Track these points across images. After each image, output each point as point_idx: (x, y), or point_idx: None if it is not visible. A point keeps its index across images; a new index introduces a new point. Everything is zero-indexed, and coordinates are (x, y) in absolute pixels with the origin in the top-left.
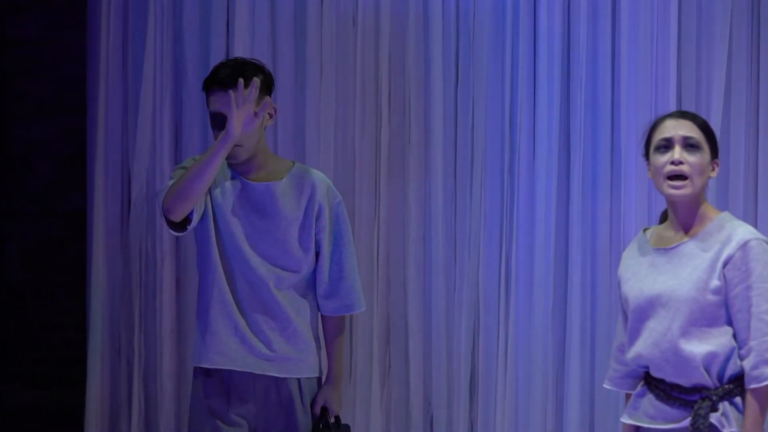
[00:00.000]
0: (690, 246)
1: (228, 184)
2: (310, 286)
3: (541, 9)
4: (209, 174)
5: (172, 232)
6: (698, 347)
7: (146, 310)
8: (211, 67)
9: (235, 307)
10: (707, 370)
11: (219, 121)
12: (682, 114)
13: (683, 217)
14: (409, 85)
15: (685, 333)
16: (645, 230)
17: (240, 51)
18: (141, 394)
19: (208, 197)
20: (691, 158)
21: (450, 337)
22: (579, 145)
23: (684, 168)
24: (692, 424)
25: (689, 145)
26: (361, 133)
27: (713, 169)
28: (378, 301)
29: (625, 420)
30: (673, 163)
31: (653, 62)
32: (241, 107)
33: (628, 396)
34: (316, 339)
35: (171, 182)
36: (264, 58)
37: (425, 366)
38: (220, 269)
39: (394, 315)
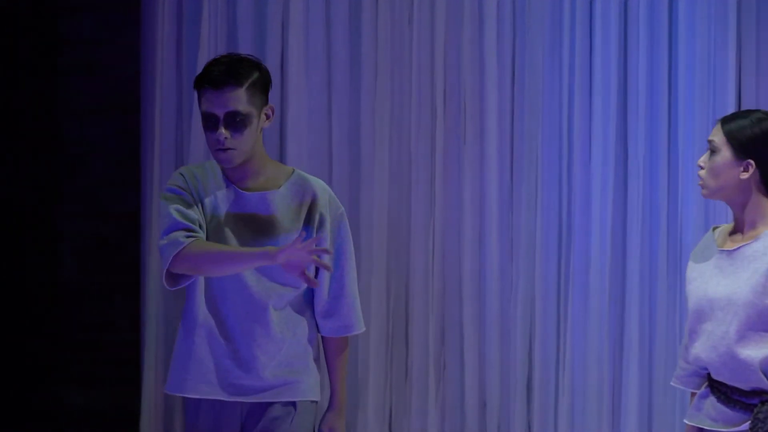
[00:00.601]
0: (752, 248)
1: (220, 193)
2: (308, 303)
3: (596, 7)
4: (229, 271)
5: (165, 284)
6: (755, 352)
7: None
8: (267, 65)
9: (225, 330)
10: (765, 374)
11: (211, 122)
12: (720, 119)
13: (744, 218)
14: (464, 86)
15: (743, 337)
16: (714, 229)
17: (294, 51)
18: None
19: (199, 209)
20: (707, 162)
21: (505, 339)
22: (635, 148)
23: (700, 172)
24: (751, 428)
25: (709, 149)
26: (417, 134)
27: (745, 170)
28: (433, 302)
29: (688, 421)
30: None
31: (711, 67)
32: (304, 251)
33: (693, 395)
34: (314, 360)
35: (173, 234)
36: (319, 59)
37: (480, 367)
38: (211, 288)
39: (449, 316)
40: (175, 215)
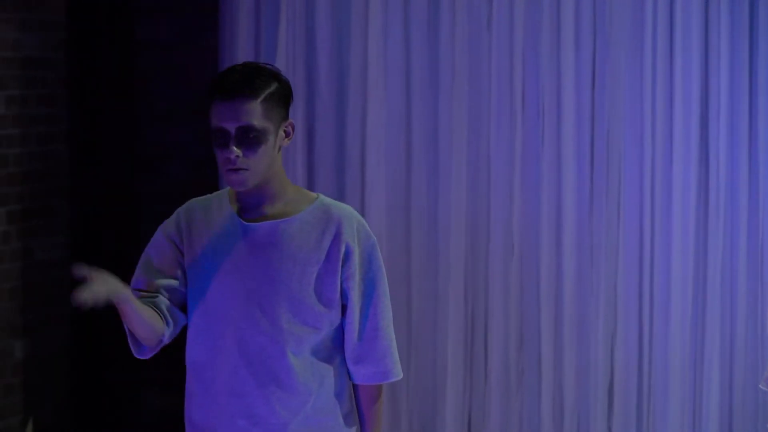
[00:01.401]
0: None
1: (225, 227)
2: (336, 348)
3: (677, 8)
4: (140, 327)
5: (136, 355)
6: None
7: None
8: (345, 70)
9: (236, 384)
10: None
11: (221, 138)
12: None
13: None
14: (543, 89)
15: None
16: None
17: (373, 55)
18: None
19: (198, 249)
20: None
21: (584, 343)
22: (717, 150)
23: None
24: None
25: None
26: (495, 137)
27: None
28: (512, 306)
29: None
30: None
31: None
32: (95, 286)
33: None
34: (346, 416)
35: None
36: (397, 63)
37: (558, 372)
38: (213, 332)
39: (527, 320)
40: (138, 274)
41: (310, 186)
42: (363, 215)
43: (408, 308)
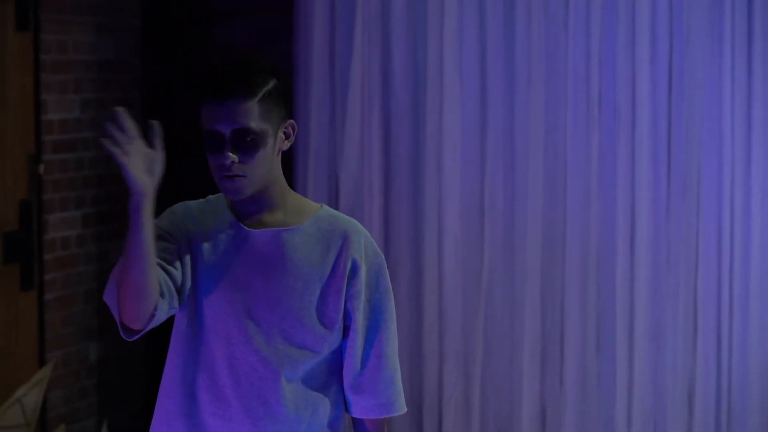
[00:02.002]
0: None
1: (223, 233)
2: (333, 374)
3: (755, 7)
4: (140, 256)
5: (123, 335)
6: None
7: None
8: (420, 73)
9: (222, 408)
10: None
11: (215, 143)
12: None
13: None
14: (619, 92)
15: None
16: None
17: (449, 56)
18: None
19: (182, 258)
20: None
21: (661, 349)
22: None
23: None
24: None
25: None
26: (573, 137)
27: None
28: (589, 311)
29: None
30: None
31: None
32: (133, 150)
33: None
34: None
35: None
36: (472, 64)
37: (632, 377)
38: (203, 350)
39: (603, 325)
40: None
41: (387, 190)
42: (440, 219)
43: (483, 313)
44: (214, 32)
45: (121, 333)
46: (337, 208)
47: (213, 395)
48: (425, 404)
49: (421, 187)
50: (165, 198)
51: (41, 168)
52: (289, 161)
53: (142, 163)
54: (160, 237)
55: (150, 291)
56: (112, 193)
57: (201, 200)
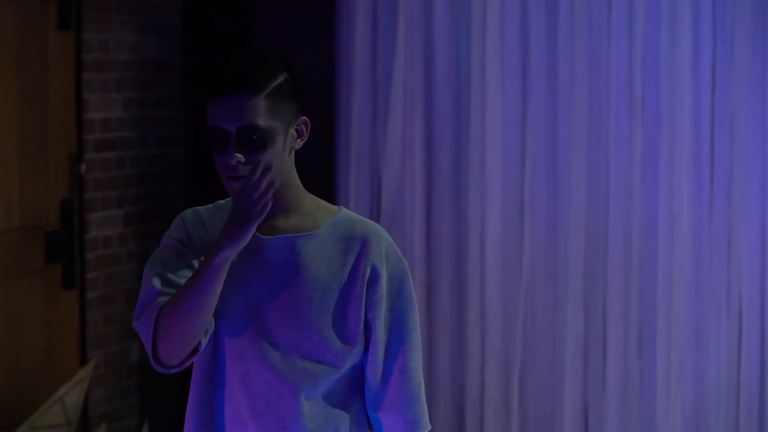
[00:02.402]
0: None
1: None
2: (354, 391)
3: None
4: (207, 306)
5: (160, 369)
6: None
7: None
8: (463, 73)
9: (240, 427)
10: None
11: (220, 141)
12: None
13: None
14: (662, 92)
15: None
16: None
17: (491, 56)
18: None
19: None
20: None
21: (704, 349)
22: None
23: None
24: None
25: None
26: (615, 138)
27: None
28: (631, 310)
29: None
30: None
31: None
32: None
33: None
34: None
35: (150, 306)
36: (515, 65)
37: (675, 377)
38: (218, 370)
39: (645, 324)
40: (156, 283)
41: (429, 189)
42: (482, 218)
43: (525, 312)
44: (256, 31)
45: (155, 366)
46: (379, 208)
47: (229, 416)
48: (467, 404)
49: (463, 186)
50: (210, 199)
51: (83, 167)
52: (330, 161)
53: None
54: (182, 254)
55: (201, 333)
56: (153, 192)
57: (210, 206)
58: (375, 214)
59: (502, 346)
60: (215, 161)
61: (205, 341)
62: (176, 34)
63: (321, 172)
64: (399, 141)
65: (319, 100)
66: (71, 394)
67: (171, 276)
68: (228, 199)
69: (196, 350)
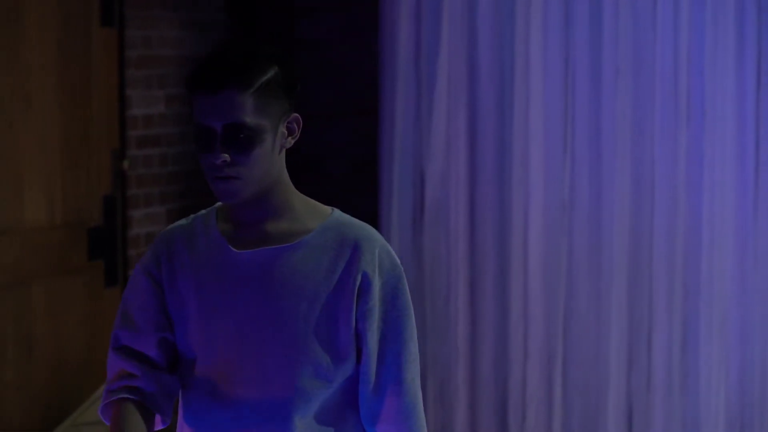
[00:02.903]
0: None
1: (213, 259)
2: (349, 405)
3: None
4: None
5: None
6: None
7: (437, 316)
8: (507, 69)
9: None
10: None
11: (205, 139)
12: None
13: None
14: (707, 87)
15: None
16: None
17: (535, 51)
18: (435, 401)
19: (181, 294)
20: None
21: (748, 347)
22: None
23: None
24: None
25: None
26: (660, 135)
27: None
28: (675, 308)
29: None
30: None
31: None
32: None
33: None
34: None
35: (111, 379)
36: (558, 63)
37: (720, 376)
38: (204, 403)
39: (690, 322)
40: (118, 322)
41: (473, 185)
42: (525, 215)
43: (567, 309)
44: (299, 27)
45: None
46: (422, 205)
47: None
48: (510, 402)
49: (506, 183)
50: None
51: (126, 164)
52: (373, 158)
53: None
54: (144, 290)
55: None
56: (195, 189)
57: (191, 216)
58: (418, 212)
59: (544, 344)
60: (200, 161)
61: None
62: (219, 29)
63: (364, 169)
64: (443, 138)
65: (361, 97)
66: None
67: (132, 313)
68: (208, 209)
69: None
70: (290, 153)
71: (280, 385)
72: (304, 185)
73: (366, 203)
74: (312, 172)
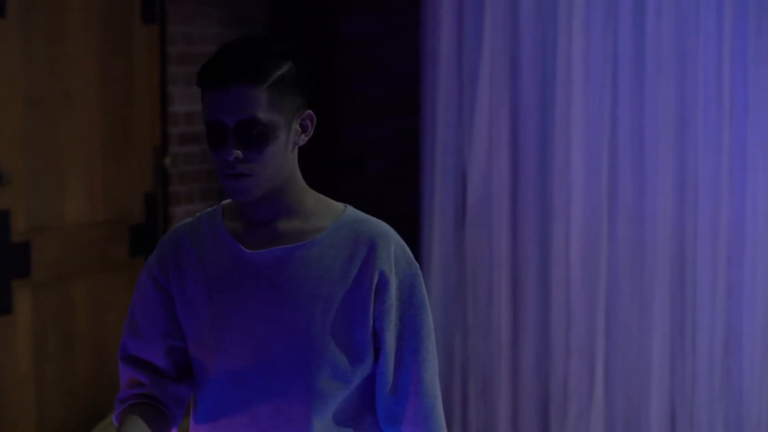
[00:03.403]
0: None
1: (223, 260)
2: (367, 406)
3: None
4: None
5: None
6: None
7: (480, 313)
8: (549, 66)
9: None
10: None
11: (217, 135)
12: None
13: None
14: (751, 83)
15: None
16: None
17: (578, 49)
18: (478, 397)
19: (190, 297)
20: None
21: None
22: None
23: None
24: None
25: None
26: (704, 132)
27: None
28: (719, 307)
29: None
30: None
31: None
32: None
33: None
34: None
35: (126, 384)
36: (602, 57)
37: (763, 375)
38: (219, 406)
39: (733, 321)
40: (126, 330)
41: (515, 183)
42: (567, 213)
43: (609, 307)
44: (340, 24)
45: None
46: (464, 203)
47: None
48: (551, 398)
49: (548, 180)
50: None
51: (167, 161)
52: (415, 155)
53: None
54: (149, 297)
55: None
56: None
57: (198, 215)
58: (460, 209)
59: (586, 340)
60: (212, 158)
61: (180, 413)
62: (259, 26)
63: (406, 166)
64: (485, 135)
65: (403, 94)
66: None
67: (138, 322)
68: (213, 208)
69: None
70: (330, 150)
71: (297, 387)
72: (344, 183)
73: (407, 201)
74: (353, 170)
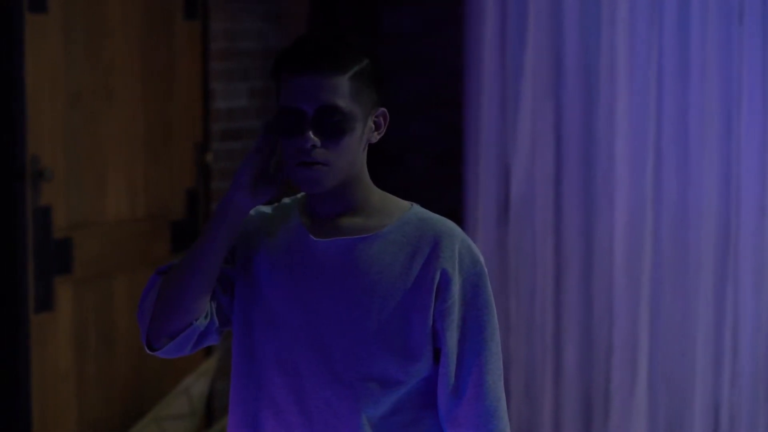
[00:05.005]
0: None
1: (290, 246)
2: (427, 406)
3: None
4: (204, 268)
5: (150, 351)
6: None
7: (522, 312)
8: (593, 63)
9: None
10: None
11: (293, 122)
12: None
13: None
14: None
15: None
16: None
17: (622, 46)
18: (520, 396)
19: (254, 275)
20: None
21: None
22: None
23: None
24: None
25: None
26: (747, 130)
27: None
28: (762, 304)
29: None
30: None
31: None
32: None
33: None
34: None
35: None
36: (646, 53)
37: None
38: (269, 392)
39: None
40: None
41: (559, 180)
42: (611, 209)
43: (653, 305)
44: (382, 19)
45: (153, 339)
46: (507, 199)
47: None
48: (594, 398)
49: (593, 177)
50: None
51: (209, 157)
52: (458, 151)
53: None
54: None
55: (194, 302)
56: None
57: (267, 207)
58: (503, 205)
59: (629, 340)
60: (284, 147)
61: (200, 324)
62: (302, 21)
63: (449, 162)
64: (528, 131)
65: (445, 89)
66: (196, 385)
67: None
68: (292, 197)
69: (186, 327)
70: (372, 146)
71: (347, 383)
72: (386, 179)
73: (450, 197)
74: (395, 166)
